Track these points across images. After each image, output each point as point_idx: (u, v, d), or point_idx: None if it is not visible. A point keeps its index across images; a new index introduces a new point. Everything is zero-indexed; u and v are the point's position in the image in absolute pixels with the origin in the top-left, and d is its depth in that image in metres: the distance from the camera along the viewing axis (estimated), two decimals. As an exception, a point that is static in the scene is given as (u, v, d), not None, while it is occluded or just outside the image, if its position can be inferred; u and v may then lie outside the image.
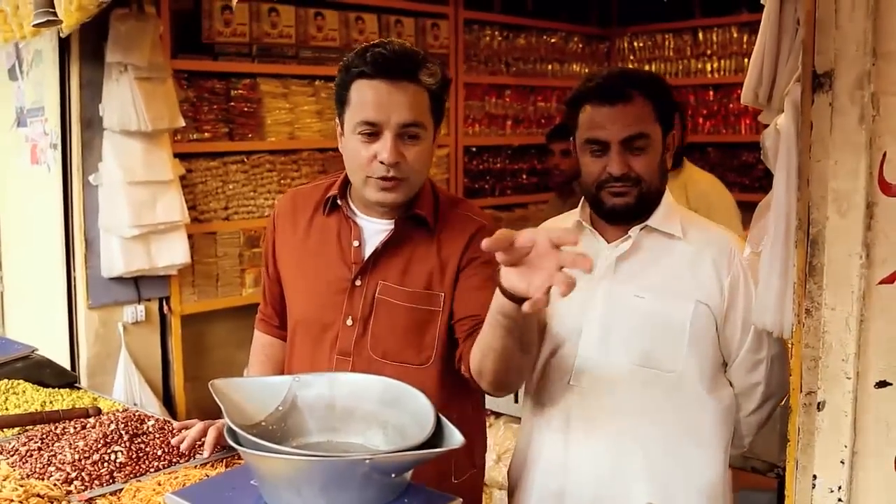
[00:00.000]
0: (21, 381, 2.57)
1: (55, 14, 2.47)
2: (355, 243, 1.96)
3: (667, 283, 1.98)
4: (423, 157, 1.89)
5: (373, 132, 1.84)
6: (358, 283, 1.95)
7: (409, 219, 1.94)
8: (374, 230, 1.96)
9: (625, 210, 1.99)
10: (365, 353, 1.95)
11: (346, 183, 2.01)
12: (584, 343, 2.02)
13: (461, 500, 1.64)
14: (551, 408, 2.08)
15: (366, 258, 1.95)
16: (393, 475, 1.57)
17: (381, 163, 1.84)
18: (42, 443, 2.06)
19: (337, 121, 1.97)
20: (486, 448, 2.26)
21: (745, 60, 5.67)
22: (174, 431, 2.08)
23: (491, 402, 3.19)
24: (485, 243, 1.47)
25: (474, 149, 5.56)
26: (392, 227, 1.94)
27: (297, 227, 2.05)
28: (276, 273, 2.13)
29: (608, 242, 2.05)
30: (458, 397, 1.98)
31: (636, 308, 1.98)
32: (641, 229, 2.01)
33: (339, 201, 1.99)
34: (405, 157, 1.85)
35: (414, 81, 1.85)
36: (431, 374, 1.95)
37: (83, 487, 1.86)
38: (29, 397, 2.47)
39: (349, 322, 1.96)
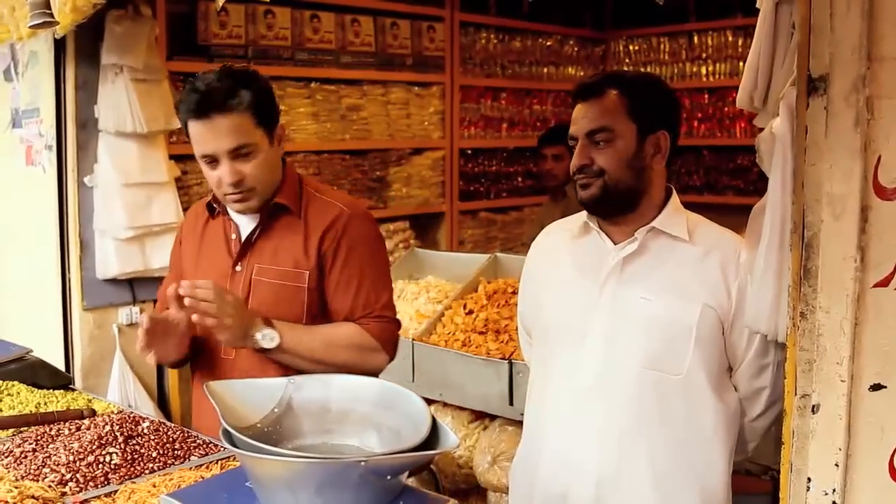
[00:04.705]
0: (16, 383, 2.56)
1: (51, 15, 2.46)
2: (233, 236, 2.28)
3: (673, 286, 1.99)
4: (262, 167, 2.16)
5: (211, 161, 2.15)
6: (238, 268, 2.26)
7: (274, 209, 2.23)
8: (245, 222, 2.28)
9: (591, 202, 2.02)
10: None
11: None
12: (589, 344, 2.02)
13: (455, 501, 1.65)
14: (555, 410, 2.08)
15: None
16: (388, 477, 1.57)
17: (227, 184, 2.14)
18: (37, 444, 2.06)
19: None
20: None
21: (740, 64, 5.68)
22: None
23: (486, 405, 3.19)
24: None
25: (470, 151, 5.56)
26: (259, 217, 2.24)
27: (196, 233, 2.37)
28: (181, 276, 2.35)
29: (615, 244, 2.05)
30: None
31: (642, 310, 1.98)
32: (648, 231, 2.01)
33: (215, 205, 2.31)
34: (244, 172, 2.14)
35: (226, 112, 2.10)
36: None
37: (78, 489, 1.85)
38: (23, 399, 2.46)
39: None
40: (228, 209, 2.28)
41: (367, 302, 2.23)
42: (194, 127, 2.13)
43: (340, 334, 2.21)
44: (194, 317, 2.06)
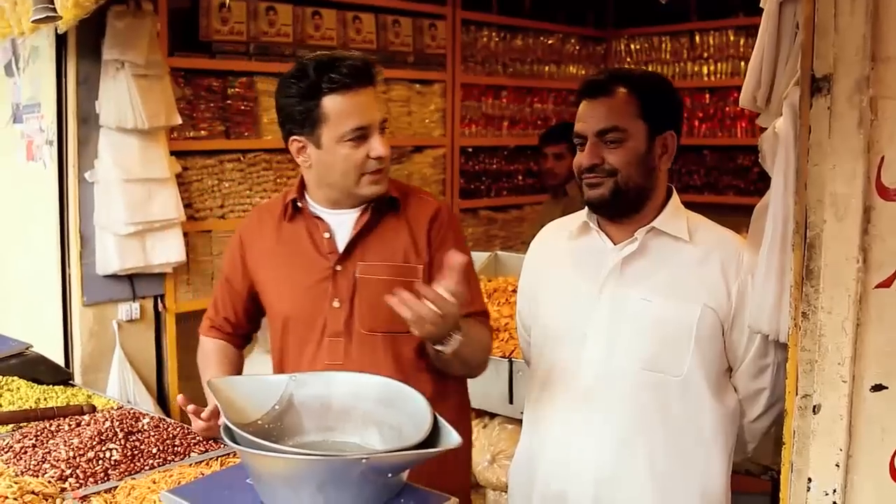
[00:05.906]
0: (15, 378, 2.57)
1: (54, 10, 2.46)
2: (326, 235, 2.13)
3: (673, 287, 1.98)
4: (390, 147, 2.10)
5: (362, 135, 2.02)
6: (339, 268, 2.10)
7: (384, 202, 2.12)
8: (339, 221, 2.13)
9: (599, 202, 2.00)
10: (355, 330, 2.09)
11: (302, 188, 2.19)
12: (588, 345, 2.02)
13: (457, 499, 1.65)
14: (554, 409, 2.08)
15: (341, 245, 2.11)
16: (389, 475, 1.57)
17: (376, 159, 2.03)
18: (37, 440, 2.06)
19: (299, 139, 2.09)
20: (470, 421, 2.39)
21: (742, 63, 5.68)
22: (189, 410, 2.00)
23: (486, 403, 3.19)
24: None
25: (470, 149, 5.55)
26: (357, 214, 2.12)
27: (265, 238, 2.21)
28: (246, 284, 2.25)
29: (614, 244, 2.04)
30: None
31: (642, 311, 1.98)
32: (648, 231, 2.01)
33: (299, 203, 2.16)
34: (388, 147, 2.06)
35: (375, 84, 2.08)
36: (419, 340, 2.04)
37: (78, 485, 1.86)
38: (23, 394, 2.46)
39: (336, 304, 2.10)
40: (318, 207, 2.13)
41: (474, 297, 2.12)
42: (351, 98, 2.01)
43: (481, 335, 2.09)
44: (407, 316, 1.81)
